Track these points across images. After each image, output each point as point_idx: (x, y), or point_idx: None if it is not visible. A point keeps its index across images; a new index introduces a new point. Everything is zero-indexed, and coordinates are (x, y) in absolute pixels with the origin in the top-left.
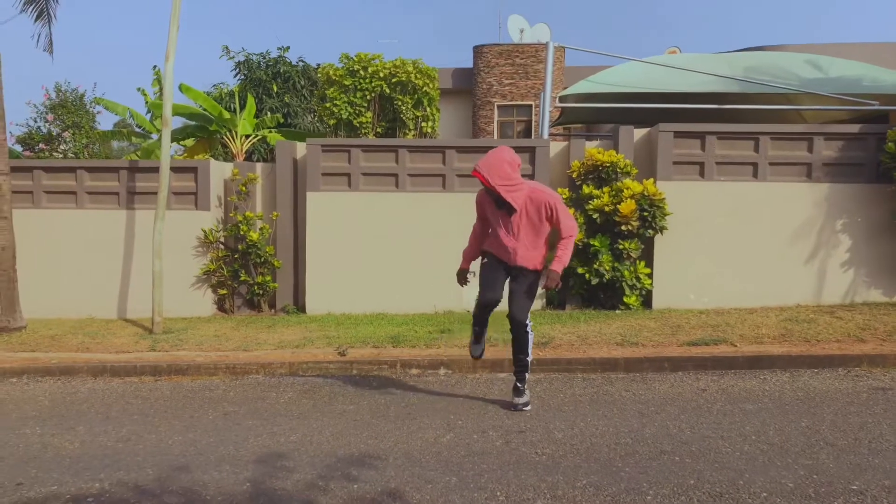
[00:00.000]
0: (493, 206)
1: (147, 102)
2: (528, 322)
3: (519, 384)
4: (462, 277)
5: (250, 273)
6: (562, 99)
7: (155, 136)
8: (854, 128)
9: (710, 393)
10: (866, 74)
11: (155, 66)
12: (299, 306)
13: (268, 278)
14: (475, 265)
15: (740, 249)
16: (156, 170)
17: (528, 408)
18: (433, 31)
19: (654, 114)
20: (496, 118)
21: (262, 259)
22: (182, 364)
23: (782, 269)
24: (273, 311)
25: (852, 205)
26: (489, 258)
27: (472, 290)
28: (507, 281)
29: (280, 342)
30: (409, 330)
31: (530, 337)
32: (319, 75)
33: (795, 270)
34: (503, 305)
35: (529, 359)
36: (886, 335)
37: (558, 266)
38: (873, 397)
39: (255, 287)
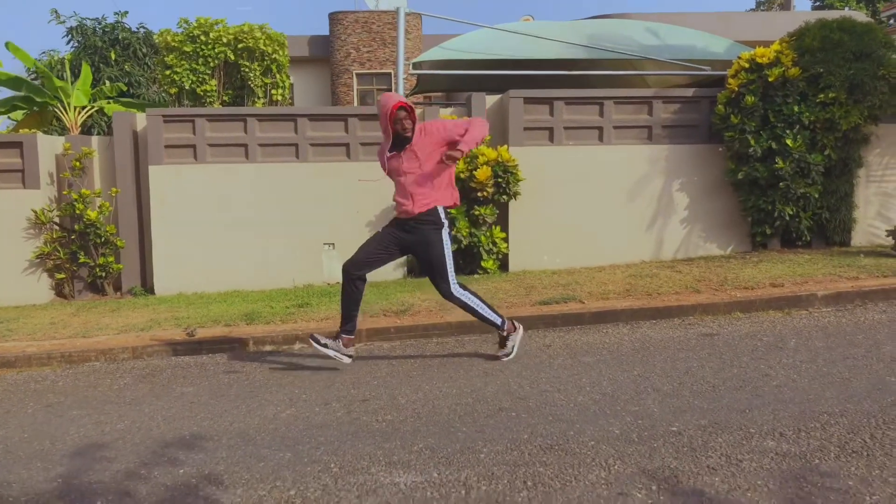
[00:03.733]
0: (389, 155)
1: None
2: (457, 292)
3: (501, 334)
4: None
5: (90, 254)
6: (415, 66)
7: None
8: (689, 91)
9: (554, 349)
10: (699, 41)
11: None
12: (148, 288)
13: (111, 259)
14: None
15: (589, 210)
16: None
17: (512, 355)
18: None
19: (508, 80)
20: (355, 87)
21: (103, 239)
22: (9, 356)
23: (628, 227)
24: (119, 293)
25: (689, 164)
26: (387, 227)
27: (332, 261)
28: (409, 251)
29: (124, 326)
30: (265, 306)
31: (472, 301)
32: (158, 41)
33: (640, 228)
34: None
35: (491, 316)
36: (718, 285)
37: (466, 145)
38: (701, 343)
39: (97, 269)
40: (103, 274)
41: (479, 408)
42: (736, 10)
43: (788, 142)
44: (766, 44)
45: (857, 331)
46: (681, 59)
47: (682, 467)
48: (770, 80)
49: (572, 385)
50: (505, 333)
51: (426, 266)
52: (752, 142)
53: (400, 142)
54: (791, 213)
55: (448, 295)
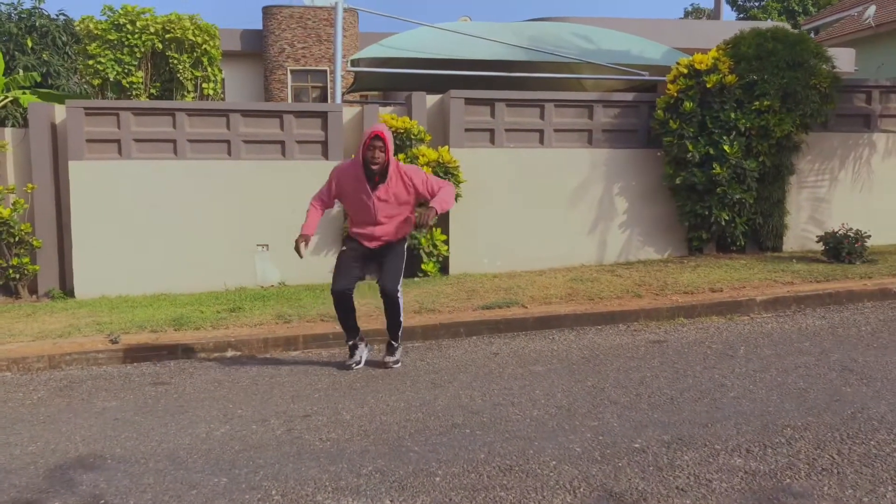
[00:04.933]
0: (357, 183)
1: None
2: (398, 293)
3: (393, 342)
4: (299, 245)
5: (3, 254)
6: (353, 63)
7: None
8: (628, 96)
9: (503, 357)
10: (635, 46)
11: None
12: (67, 290)
13: (25, 260)
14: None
15: (529, 214)
16: None
17: (398, 365)
18: None
19: (448, 80)
20: (290, 83)
21: (17, 238)
22: None
23: (568, 231)
24: (35, 296)
25: (628, 169)
26: (350, 245)
27: (266, 263)
28: (373, 262)
29: (40, 332)
30: (195, 310)
31: (401, 302)
32: (79, 28)
33: (580, 232)
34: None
35: (402, 319)
36: (659, 290)
37: (438, 205)
38: (651, 351)
39: (10, 270)
40: (17, 275)
41: (431, 424)
42: (666, 18)
43: (726, 148)
44: (696, 51)
45: (802, 338)
46: (619, 63)
47: (650, 489)
48: (708, 86)
49: (526, 398)
50: (397, 344)
51: (385, 267)
52: (691, 147)
53: (370, 173)
54: (727, 218)
55: (392, 293)
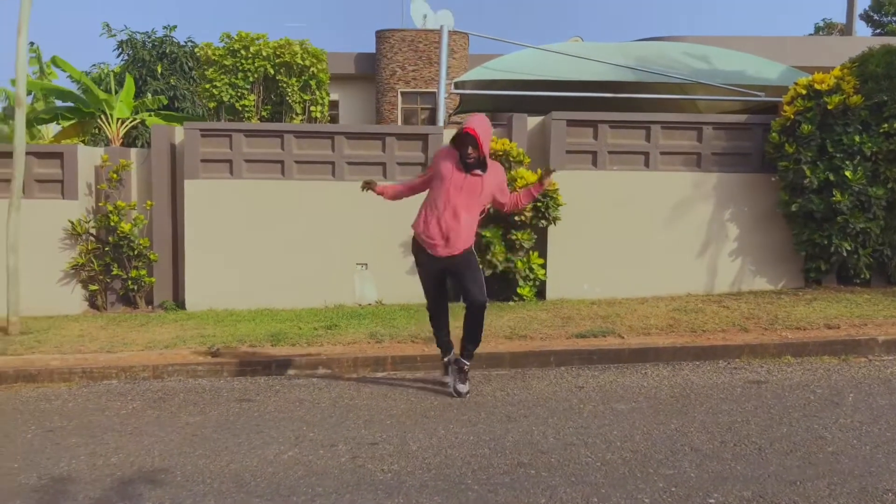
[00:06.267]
0: (455, 169)
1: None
2: (486, 300)
3: (466, 361)
4: (364, 185)
5: (124, 267)
6: (458, 85)
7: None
8: (741, 118)
9: (587, 391)
10: (750, 66)
11: (32, 43)
12: (179, 302)
13: (143, 272)
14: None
15: (632, 239)
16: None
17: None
18: (338, 15)
19: (552, 102)
20: (400, 105)
21: (136, 252)
22: (33, 370)
23: (673, 258)
24: (150, 307)
25: (739, 194)
26: (420, 260)
27: (365, 281)
28: (446, 276)
29: (150, 342)
30: (293, 326)
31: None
32: (199, 54)
33: (686, 259)
34: None
35: (481, 335)
36: (768, 324)
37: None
38: (747, 392)
39: (130, 282)
40: (135, 287)
41: (496, 461)
42: (793, 35)
43: (848, 174)
44: (823, 70)
45: None
46: (734, 83)
47: None
48: (829, 107)
49: (601, 439)
50: (470, 363)
51: (466, 280)
52: (808, 172)
53: (466, 165)
54: (849, 248)
55: (482, 303)
